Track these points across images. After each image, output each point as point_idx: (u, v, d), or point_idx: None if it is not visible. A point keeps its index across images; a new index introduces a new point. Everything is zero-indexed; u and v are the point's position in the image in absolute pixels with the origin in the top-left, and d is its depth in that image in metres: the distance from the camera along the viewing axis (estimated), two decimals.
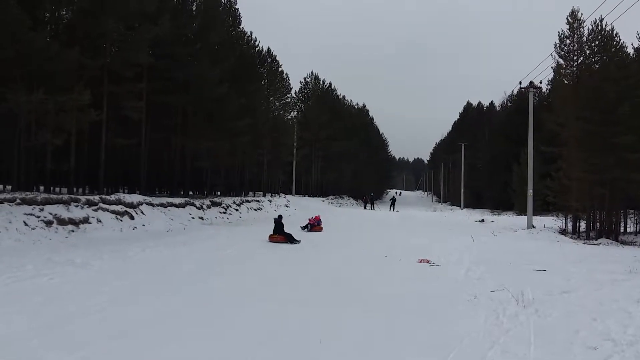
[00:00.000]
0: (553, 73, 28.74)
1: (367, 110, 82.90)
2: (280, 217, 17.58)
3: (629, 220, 27.87)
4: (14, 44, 15.86)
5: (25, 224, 13.57)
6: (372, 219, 32.82)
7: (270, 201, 34.20)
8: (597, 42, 25.28)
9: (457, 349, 5.75)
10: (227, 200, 27.55)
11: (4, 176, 21.11)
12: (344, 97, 69.32)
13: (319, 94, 59.49)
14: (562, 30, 26.13)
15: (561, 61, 26.62)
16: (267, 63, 41.10)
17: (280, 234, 16.53)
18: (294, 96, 56.05)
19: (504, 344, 5.99)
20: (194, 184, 30.87)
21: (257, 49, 37.58)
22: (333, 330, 6.46)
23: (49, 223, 14.30)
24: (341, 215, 33.75)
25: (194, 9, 27.73)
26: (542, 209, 35.30)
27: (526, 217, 28.06)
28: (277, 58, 42.88)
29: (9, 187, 19.09)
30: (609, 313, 7.36)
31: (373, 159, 78.27)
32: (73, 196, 16.75)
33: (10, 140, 17.97)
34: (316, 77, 60.38)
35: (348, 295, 8.69)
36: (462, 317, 7.31)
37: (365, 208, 49.78)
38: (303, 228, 20.48)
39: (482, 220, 33.10)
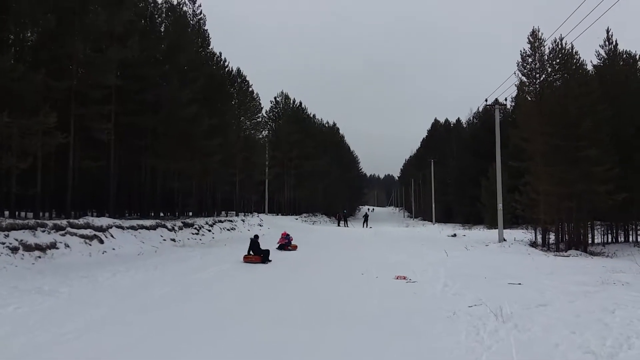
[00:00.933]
0: (517, 90, 29.49)
1: (338, 129, 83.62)
2: (256, 236, 17.38)
3: (596, 232, 28.59)
4: None
5: None
6: (346, 236, 32.80)
7: (243, 220, 33.88)
8: (557, 60, 26.03)
9: None
10: (200, 221, 27.15)
11: None
12: (314, 115, 69.83)
13: (289, 113, 59.70)
14: (524, 49, 26.88)
15: (524, 79, 27.31)
16: (237, 83, 41.05)
17: (256, 254, 16.33)
18: (265, 115, 56.05)
19: None
20: (165, 205, 30.36)
21: (227, 69, 37.52)
22: (313, 352, 6.35)
23: (14, 249, 13.78)
24: (315, 232, 33.65)
25: (162, 30, 27.56)
26: (511, 222, 35.92)
27: (497, 230, 28.46)
28: (247, 78, 42.94)
29: None
30: (587, 325, 7.44)
31: (345, 176, 78.68)
32: (39, 221, 16.23)
33: None
34: (286, 97, 60.64)
35: (326, 315, 8.59)
36: (443, 333, 7.29)
37: (338, 225, 49.85)
38: (278, 248, 20.29)
39: (455, 235, 33.44)
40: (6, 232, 14.10)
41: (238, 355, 6.16)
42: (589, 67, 28.85)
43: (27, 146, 17.30)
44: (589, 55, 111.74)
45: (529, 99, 27.65)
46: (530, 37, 26.66)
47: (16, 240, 14.10)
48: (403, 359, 6.09)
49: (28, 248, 14.21)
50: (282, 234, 21.52)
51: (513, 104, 39.35)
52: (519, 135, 27.36)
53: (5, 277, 11.64)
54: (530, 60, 26.76)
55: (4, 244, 13.63)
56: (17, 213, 19.65)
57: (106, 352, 6.27)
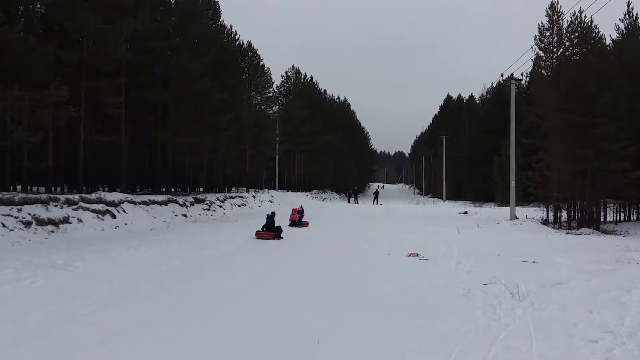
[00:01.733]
0: (533, 65, 28.97)
1: (349, 104, 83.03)
2: (273, 213, 17.33)
3: (608, 210, 28.29)
4: None
5: (3, 225, 13.11)
6: (356, 213, 32.74)
7: (254, 197, 33.92)
8: (576, 34, 25.50)
9: (460, 347, 5.62)
10: (211, 197, 27.20)
11: None
12: (325, 91, 69.30)
13: (300, 88, 59.19)
14: (542, 23, 26.34)
15: (541, 53, 26.85)
16: (247, 57, 40.71)
17: (270, 230, 16.32)
18: (276, 90, 55.74)
19: (505, 339, 5.89)
20: (176, 180, 30.42)
21: (237, 42, 37.18)
22: (330, 329, 6.30)
23: (27, 224, 13.85)
24: (325, 209, 33.63)
25: (172, 2, 27.22)
26: (523, 199, 35.64)
27: (507, 208, 28.27)
28: (258, 52, 42.54)
29: None
30: (604, 304, 7.32)
31: (355, 152, 78.41)
32: (52, 195, 16.29)
33: None
34: (297, 71, 60.07)
35: (341, 293, 8.53)
36: (459, 312, 7.21)
37: (348, 202, 49.79)
38: (290, 225, 20.23)
39: (466, 212, 33.26)
40: (19, 207, 14.16)
41: (254, 334, 6.11)
42: (608, 42, 28.18)
43: (39, 120, 17.30)
44: (609, 29, 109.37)
45: (545, 74, 27.18)
46: (548, 10, 26.10)
47: (29, 214, 14.16)
48: (420, 338, 6.01)
49: (41, 222, 14.27)
50: (293, 210, 21.36)
51: (527, 79, 38.78)
52: (534, 111, 26.95)
53: (20, 251, 11.71)
54: (547, 34, 26.26)
55: (17, 218, 13.70)
56: (29, 187, 19.79)
57: (121, 327, 6.25)
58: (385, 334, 6.22)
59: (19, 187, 18.78)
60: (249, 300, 7.88)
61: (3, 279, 8.55)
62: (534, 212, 28.45)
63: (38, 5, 19.16)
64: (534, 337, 5.90)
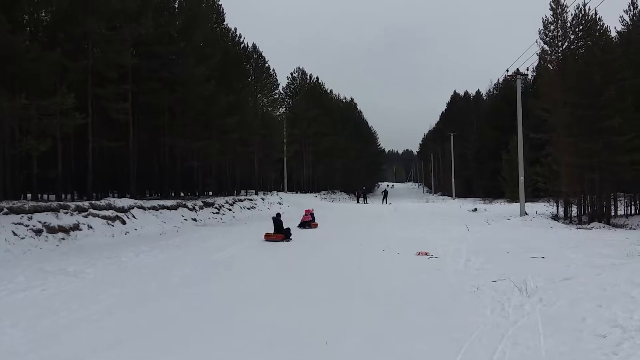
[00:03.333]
0: (538, 60, 28.79)
1: (355, 104, 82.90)
2: (278, 215, 17.40)
3: (619, 203, 28.02)
4: None
5: (14, 234, 13.26)
6: (365, 212, 32.74)
7: (263, 199, 33.98)
8: (580, 27, 25.30)
9: (468, 343, 5.63)
10: (220, 200, 27.30)
11: None
12: (331, 91, 69.20)
13: (306, 89, 59.23)
14: (546, 17, 26.12)
15: (546, 47, 26.63)
16: (253, 59, 40.73)
17: (278, 232, 16.38)
18: (282, 92, 55.83)
19: (514, 335, 5.89)
20: (185, 184, 30.56)
21: (242, 45, 37.23)
22: (338, 329, 6.33)
23: (38, 232, 14.00)
24: (334, 210, 33.64)
25: (176, 6, 27.34)
26: (532, 195, 35.41)
27: (517, 204, 28.12)
28: (263, 54, 42.59)
29: None
30: (613, 298, 7.28)
31: (363, 152, 78.28)
32: (62, 203, 16.44)
33: None
34: (303, 72, 60.15)
35: (350, 293, 8.55)
36: (468, 309, 7.22)
37: (357, 202, 49.73)
38: (299, 226, 20.30)
39: (475, 210, 33.14)
40: (30, 215, 14.31)
41: (266, 335, 6.15)
42: (613, 34, 27.93)
43: (46, 127, 17.47)
44: (614, 21, 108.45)
45: (551, 68, 26.99)
46: (552, 4, 25.90)
47: (40, 222, 14.30)
48: (429, 335, 6.02)
49: (52, 230, 14.41)
50: (306, 211, 21.53)
51: (534, 74, 38.53)
52: (540, 106, 26.79)
53: (31, 259, 11.84)
54: (552, 27, 26.04)
55: (27, 226, 13.84)
56: (39, 195, 19.97)
57: (131, 331, 6.30)
58: (394, 331, 6.25)
59: (29, 196, 18.96)
60: (258, 302, 7.91)
61: (15, 287, 8.65)
62: (544, 208, 28.28)
63: (43, 14, 19.30)
64: (542, 333, 5.90)
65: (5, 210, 13.89)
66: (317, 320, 6.80)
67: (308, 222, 20.81)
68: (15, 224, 13.60)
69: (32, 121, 16.99)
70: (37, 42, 17.60)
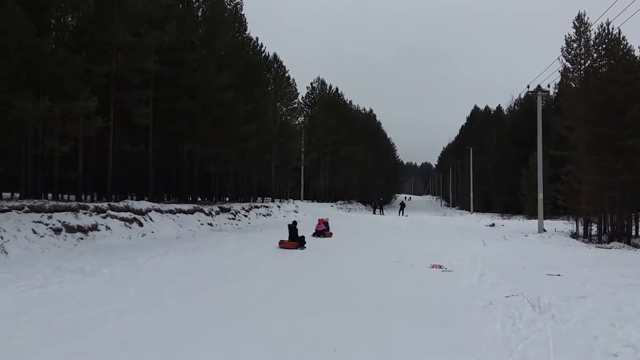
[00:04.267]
0: (560, 77, 28.54)
1: (374, 115, 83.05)
2: (294, 222, 17.48)
3: None
4: (20, 50, 15.91)
5: (34, 232, 13.53)
6: (381, 224, 32.62)
7: (279, 207, 34.11)
8: (604, 46, 25.08)
9: (476, 357, 5.60)
10: (236, 206, 27.47)
11: (12, 184, 21.15)
12: (350, 102, 69.35)
13: (325, 99, 59.45)
14: (569, 34, 25.96)
15: (568, 65, 26.41)
16: (273, 69, 41.12)
17: (293, 240, 16.44)
18: (301, 101, 56.14)
19: (523, 351, 5.85)
20: (203, 189, 30.82)
21: (263, 54, 37.61)
22: (348, 339, 6.33)
23: (57, 231, 14.26)
24: (350, 220, 33.57)
25: (199, 14, 27.76)
26: (552, 212, 34.97)
27: (536, 220, 27.81)
28: (284, 64, 42.95)
29: (17, 195, 19.11)
30: (628, 318, 7.18)
31: (381, 163, 78.14)
32: (81, 203, 16.73)
33: (18, 148, 18.00)
34: (322, 82, 60.37)
35: (362, 304, 8.53)
36: (478, 323, 7.17)
37: (374, 213, 49.60)
38: (314, 235, 20.34)
39: (493, 225, 32.82)
40: (50, 214, 14.59)
41: (276, 342, 6.19)
42: (637, 53, 27.61)
43: (69, 130, 17.80)
44: (637, 40, 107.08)
45: (573, 85, 26.76)
46: (575, 22, 25.76)
47: (59, 221, 14.57)
48: (438, 349, 6.00)
49: (70, 229, 14.67)
50: (320, 220, 21.56)
51: (556, 91, 38.22)
52: (562, 123, 26.54)
53: (49, 257, 12.06)
54: (575, 45, 25.86)
55: (47, 225, 14.11)
56: (59, 195, 20.31)
57: (145, 333, 6.39)
58: (403, 343, 6.24)
59: (49, 195, 19.30)
60: (270, 309, 7.95)
61: (32, 284, 8.83)
62: (563, 225, 27.89)
63: (69, 18, 19.73)
64: (552, 350, 5.84)
65: (26, 208, 14.19)
66: (327, 329, 6.81)
67: (322, 231, 20.85)
68: (36, 223, 13.88)
69: (55, 123, 17.35)
70: (63, 46, 17.99)
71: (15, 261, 11.01)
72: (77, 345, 5.82)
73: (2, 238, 12.28)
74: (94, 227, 15.69)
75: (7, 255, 11.33)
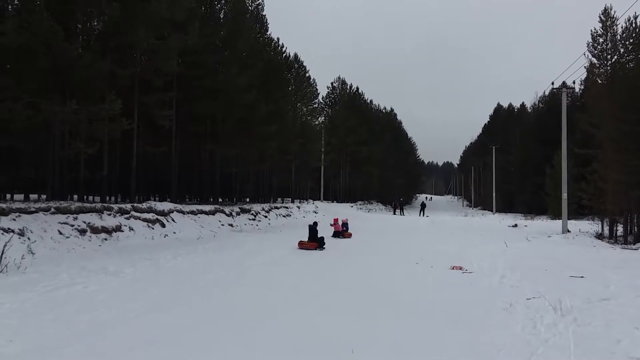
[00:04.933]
0: (586, 73, 28.05)
1: (395, 114, 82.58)
2: (315, 223, 17.57)
3: None
4: (48, 55, 16.28)
5: (60, 233, 13.85)
6: (401, 224, 32.51)
7: (298, 207, 34.24)
8: (631, 40, 24.55)
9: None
10: (256, 207, 27.67)
11: (39, 185, 21.65)
12: (371, 101, 69.17)
13: (346, 98, 59.38)
14: (595, 29, 25.48)
15: (594, 60, 25.94)
16: (294, 69, 41.22)
17: (313, 240, 16.51)
18: (321, 101, 56.14)
19: (543, 353, 5.80)
20: (223, 190, 31.10)
21: (284, 55, 37.75)
22: (366, 340, 6.34)
23: (82, 231, 14.57)
24: (370, 220, 33.55)
25: (221, 16, 28.01)
26: (577, 212, 34.40)
27: (560, 221, 27.39)
28: (304, 64, 43.02)
29: (43, 197, 19.56)
30: None
31: (402, 163, 77.73)
32: (106, 205, 17.06)
33: (45, 150, 18.44)
34: (343, 82, 60.32)
35: (380, 305, 8.54)
36: (499, 325, 7.11)
37: (394, 213, 49.39)
38: (333, 236, 20.38)
39: (515, 225, 32.45)
40: (75, 215, 14.91)
41: (293, 341, 6.24)
42: None
43: (94, 132, 18.19)
44: None
45: (600, 81, 26.26)
46: (601, 16, 25.28)
47: (84, 222, 14.88)
48: (456, 349, 5.98)
49: (95, 230, 14.97)
50: (335, 220, 21.59)
51: (582, 87, 37.58)
52: (588, 120, 26.10)
53: (75, 257, 12.35)
54: (601, 40, 25.38)
55: (72, 226, 14.43)
56: (85, 197, 20.72)
57: (167, 331, 6.50)
58: (422, 344, 6.22)
59: (75, 197, 19.71)
60: (289, 308, 8.01)
61: (58, 284, 9.06)
62: (588, 226, 27.41)
63: (95, 23, 20.10)
64: (573, 353, 5.78)
65: (52, 210, 14.52)
66: (345, 329, 6.83)
67: (341, 232, 20.88)
68: (62, 224, 14.21)
69: (81, 125, 17.72)
70: (89, 50, 18.36)
71: (42, 261, 11.28)
72: (101, 342, 5.95)
73: (29, 239, 12.60)
74: (118, 228, 15.98)
75: (33, 255, 11.61)
